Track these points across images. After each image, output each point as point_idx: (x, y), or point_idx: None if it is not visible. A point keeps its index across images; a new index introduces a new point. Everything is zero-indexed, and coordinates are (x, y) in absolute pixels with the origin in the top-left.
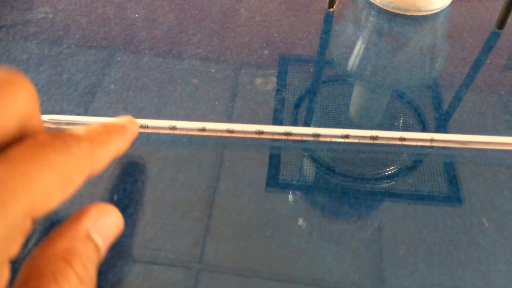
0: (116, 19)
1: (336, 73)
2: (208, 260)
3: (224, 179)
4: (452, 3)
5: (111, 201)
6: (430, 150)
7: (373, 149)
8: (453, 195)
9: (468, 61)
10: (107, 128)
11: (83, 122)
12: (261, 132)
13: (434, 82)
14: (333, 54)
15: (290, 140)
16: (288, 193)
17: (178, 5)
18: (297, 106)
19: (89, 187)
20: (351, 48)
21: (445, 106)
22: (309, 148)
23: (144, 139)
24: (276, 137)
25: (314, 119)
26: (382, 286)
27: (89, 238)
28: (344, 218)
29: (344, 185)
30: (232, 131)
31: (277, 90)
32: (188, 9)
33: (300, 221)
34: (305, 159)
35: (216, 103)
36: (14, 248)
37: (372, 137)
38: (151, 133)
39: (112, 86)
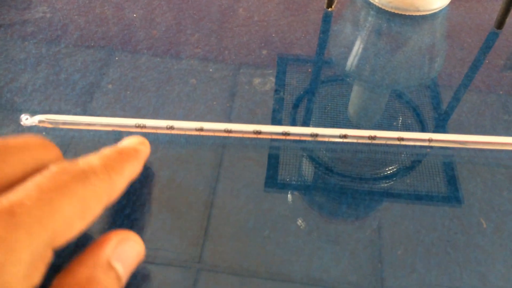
0: (114, 19)
1: (334, 73)
2: (207, 260)
3: (222, 179)
4: (450, 3)
5: None
6: (428, 150)
7: (372, 149)
8: (451, 195)
9: (466, 61)
10: (120, 154)
11: (81, 122)
12: (259, 132)
13: (433, 82)
14: (331, 54)
15: (288, 140)
16: (287, 193)
17: (176, 5)
18: (295, 106)
19: None
20: (349, 48)
21: (444, 106)
22: (308, 148)
23: None
24: (274, 137)
25: (313, 119)
26: (380, 286)
27: (110, 266)
28: (342, 218)
29: (342, 185)
30: (230, 131)
31: (276, 90)
32: (186, 9)
33: (299, 221)
34: (304, 159)
35: (214, 103)
36: (37, 277)
37: (370, 137)
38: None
39: (110, 86)
